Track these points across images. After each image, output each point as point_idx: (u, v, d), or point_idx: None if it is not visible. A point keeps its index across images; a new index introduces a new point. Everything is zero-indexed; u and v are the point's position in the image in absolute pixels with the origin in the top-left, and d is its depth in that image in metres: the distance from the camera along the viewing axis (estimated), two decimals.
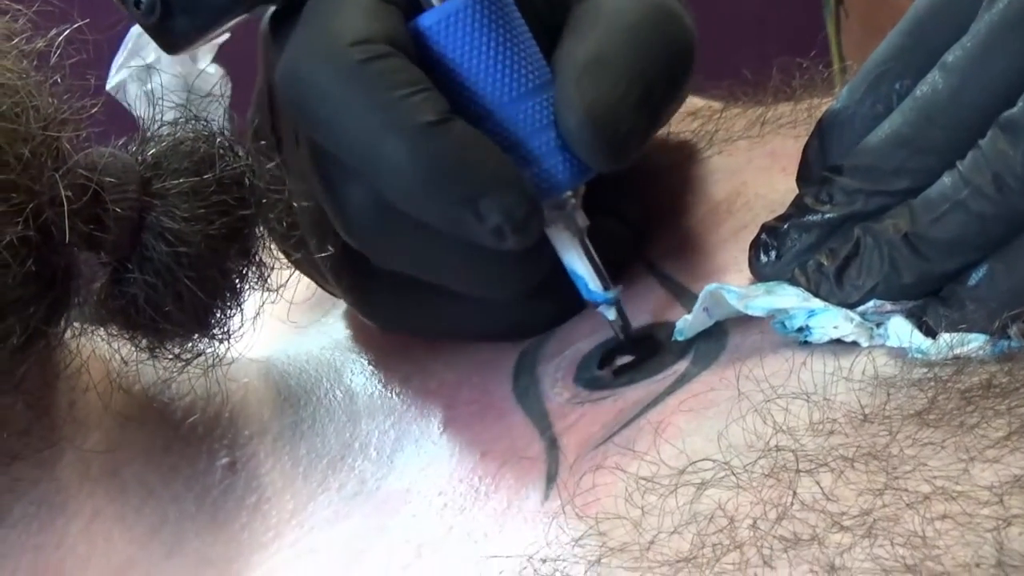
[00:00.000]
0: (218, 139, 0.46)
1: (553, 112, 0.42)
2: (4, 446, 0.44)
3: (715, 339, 0.43)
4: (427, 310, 0.47)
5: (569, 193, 0.43)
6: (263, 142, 0.48)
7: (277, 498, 0.47)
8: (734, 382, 0.39)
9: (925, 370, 0.38)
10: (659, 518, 0.35)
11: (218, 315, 0.47)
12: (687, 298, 0.45)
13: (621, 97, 0.41)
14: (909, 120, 0.40)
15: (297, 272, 0.51)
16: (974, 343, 0.38)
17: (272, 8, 0.47)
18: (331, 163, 0.43)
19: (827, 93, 0.53)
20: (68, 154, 0.43)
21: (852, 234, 0.40)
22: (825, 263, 0.41)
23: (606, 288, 0.44)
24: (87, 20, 0.45)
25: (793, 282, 0.41)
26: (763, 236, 0.43)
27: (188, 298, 0.45)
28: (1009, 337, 0.37)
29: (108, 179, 0.44)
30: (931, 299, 0.39)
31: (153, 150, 0.46)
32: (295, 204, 0.47)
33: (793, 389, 0.38)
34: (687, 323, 0.43)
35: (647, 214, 0.50)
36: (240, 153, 0.46)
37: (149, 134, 0.46)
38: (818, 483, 0.34)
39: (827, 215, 0.41)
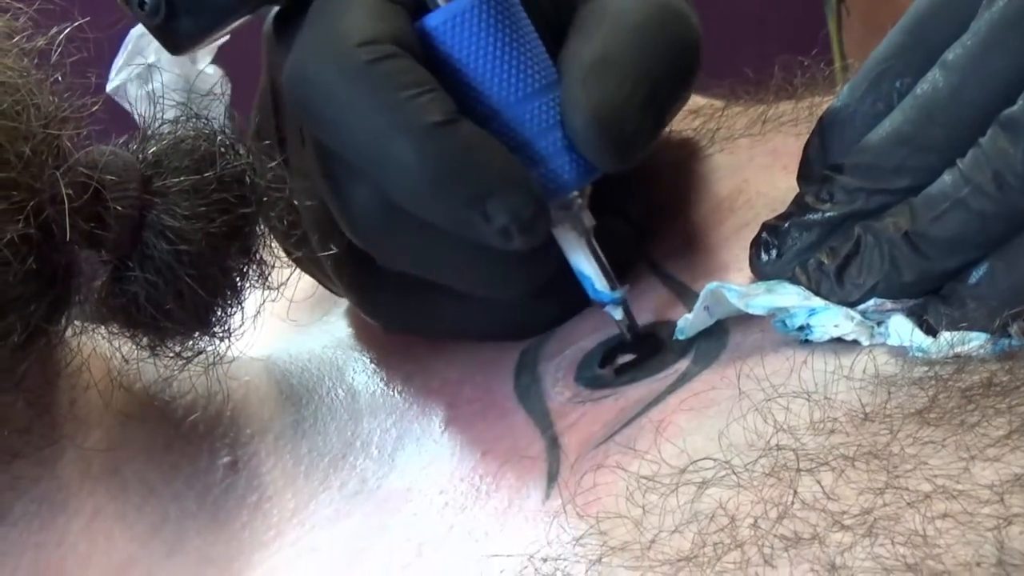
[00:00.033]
0: (219, 137, 0.46)
1: (559, 112, 0.42)
2: (5, 444, 0.44)
3: (716, 338, 0.43)
4: (430, 309, 0.47)
5: (576, 193, 0.43)
6: (265, 141, 0.48)
7: (278, 497, 0.47)
8: (735, 381, 0.39)
9: (926, 369, 0.38)
10: (660, 517, 0.35)
11: (219, 313, 0.47)
12: (689, 297, 0.45)
13: (627, 97, 0.41)
14: (910, 118, 0.40)
15: (298, 270, 0.51)
16: (975, 341, 0.38)
17: (275, 8, 0.47)
18: (337, 163, 0.43)
19: (828, 91, 0.53)
20: (69, 152, 0.43)
21: (853, 232, 0.40)
22: (826, 262, 0.41)
23: (613, 288, 0.44)
24: (88, 18, 0.45)
25: (794, 281, 0.41)
26: (764, 235, 0.43)
27: (189, 296, 0.45)
28: (1010, 335, 0.37)
29: (109, 177, 0.44)
30: (932, 297, 0.39)
31: (154, 148, 0.46)
32: (297, 203, 0.47)
33: (794, 388, 0.38)
34: (688, 322, 0.43)
35: (649, 213, 0.50)
36: (241, 151, 0.46)
37: (150, 132, 0.46)
38: (819, 482, 0.34)
39: (828, 213, 0.41)
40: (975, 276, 0.39)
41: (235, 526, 0.46)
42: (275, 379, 0.51)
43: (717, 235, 0.47)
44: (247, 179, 0.46)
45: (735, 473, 0.36)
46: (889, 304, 0.40)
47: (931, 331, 0.38)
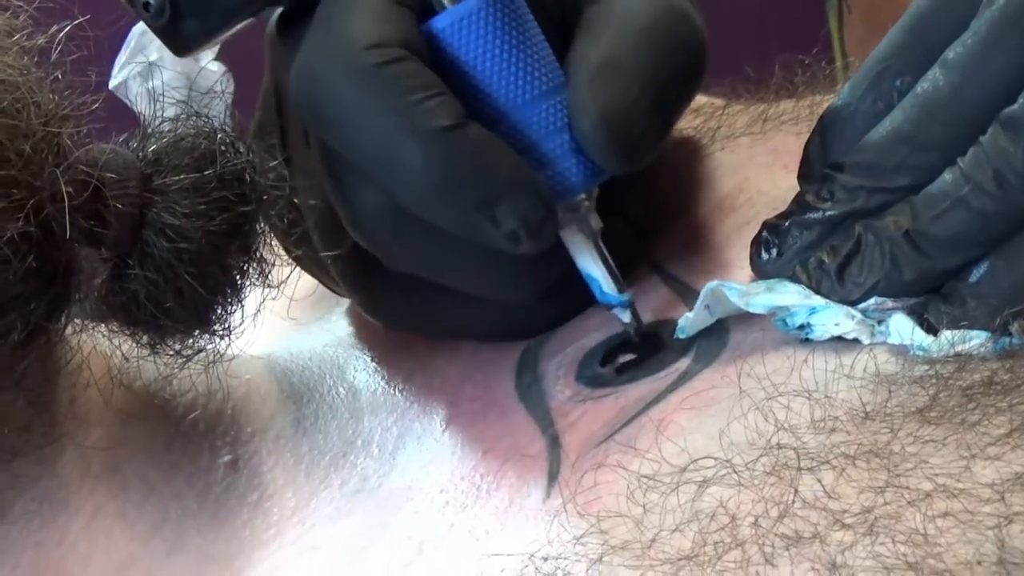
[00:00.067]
0: (219, 135, 0.46)
1: (566, 115, 0.42)
2: (5, 442, 0.44)
3: (716, 337, 0.43)
4: (433, 310, 0.47)
5: (583, 196, 0.43)
6: (268, 140, 0.48)
7: (279, 495, 0.46)
8: (735, 380, 0.39)
9: (926, 367, 0.38)
10: (661, 516, 0.35)
11: (219, 311, 0.47)
12: (690, 296, 0.45)
13: (634, 100, 0.41)
14: (910, 117, 0.40)
15: (298, 269, 0.51)
16: (975, 340, 0.38)
17: (279, 9, 0.47)
18: (343, 165, 0.43)
19: (829, 90, 0.53)
20: (69, 150, 0.43)
21: (853, 231, 0.40)
22: (826, 260, 0.41)
23: (620, 290, 0.44)
24: (88, 16, 0.45)
25: (794, 279, 0.41)
26: (764, 233, 0.43)
27: (189, 294, 0.45)
28: (1010, 334, 0.37)
29: (109, 175, 0.44)
30: (932, 296, 0.39)
31: (154, 146, 0.46)
32: (300, 202, 0.47)
33: (794, 387, 0.38)
34: (689, 321, 0.43)
35: (650, 212, 0.50)
36: (241, 149, 0.46)
37: (150, 130, 0.46)
38: (820, 481, 0.34)
39: (828, 212, 0.41)
40: (976, 275, 0.39)
41: (236, 524, 0.46)
42: (276, 377, 0.51)
43: (718, 234, 0.47)
44: (247, 177, 0.46)
45: (736, 472, 0.36)
46: (890, 303, 0.40)
47: (932, 330, 0.38)
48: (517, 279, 0.44)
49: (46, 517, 0.44)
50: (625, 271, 0.45)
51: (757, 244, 0.43)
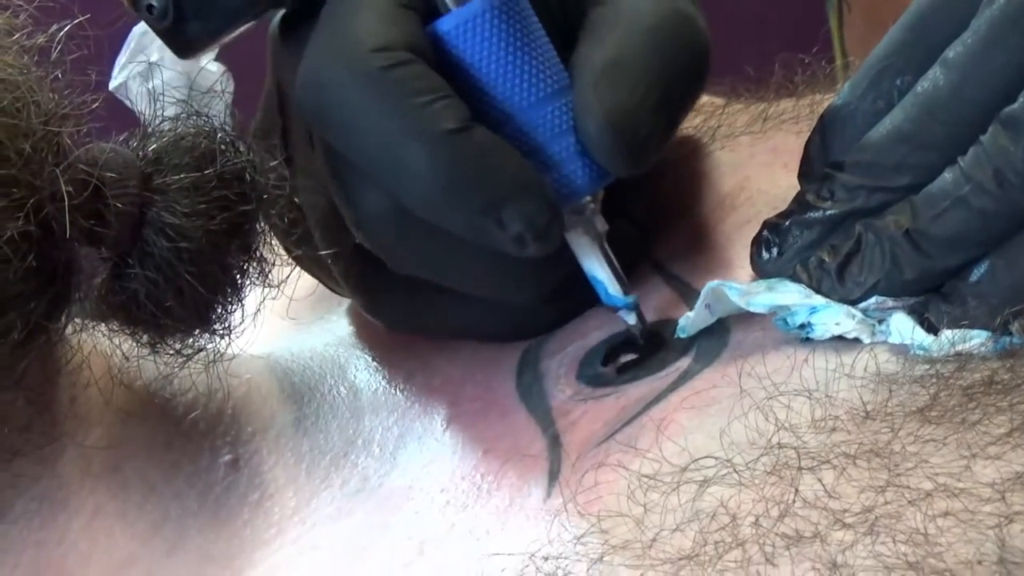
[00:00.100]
0: (219, 135, 0.46)
1: (572, 117, 0.42)
2: (5, 442, 0.44)
3: (717, 336, 0.43)
4: (435, 310, 0.47)
5: (588, 198, 0.43)
6: (269, 140, 0.48)
7: (280, 495, 0.46)
8: (736, 379, 0.39)
9: (927, 367, 0.38)
10: (661, 516, 0.35)
11: (219, 311, 0.47)
12: (691, 295, 0.45)
13: (640, 101, 0.41)
14: (910, 116, 0.40)
15: (298, 268, 0.51)
16: (976, 340, 0.38)
17: (282, 10, 0.47)
18: (347, 167, 0.43)
19: (829, 89, 0.53)
20: (69, 149, 0.43)
21: (854, 230, 0.40)
22: (827, 259, 0.41)
23: (625, 292, 0.44)
24: (88, 16, 0.45)
25: (795, 279, 0.41)
26: (765, 233, 0.43)
27: (189, 293, 0.45)
28: (1011, 333, 0.37)
29: (109, 174, 0.43)
30: (933, 295, 0.39)
31: (154, 145, 0.45)
32: (302, 202, 0.47)
33: (795, 386, 0.38)
34: (689, 320, 0.43)
35: (651, 211, 0.49)
36: (241, 148, 0.46)
37: (150, 130, 0.46)
38: (820, 480, 0.34)
39: (829, 211, 0.41)
40: (976, 274, 0.39)
41: (236, 524, 0.46)
42: (276, 377, 0.51)
43: (718, 233, 0.47)
44: (247, 176, 0.46)
45: (736, 471, 0.36)
46: (890, 302, 0.40)
47: (932, 329, 0.39)
48: (522, 281, 0.44)
49: (46, 516, 0.44)
50: (627, 271, 0.45)
51: (757, 243, 0.43)
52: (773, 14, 1.70)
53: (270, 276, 0.47)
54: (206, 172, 0.45)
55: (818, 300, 0.40)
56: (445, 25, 0.42)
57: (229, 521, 0.46)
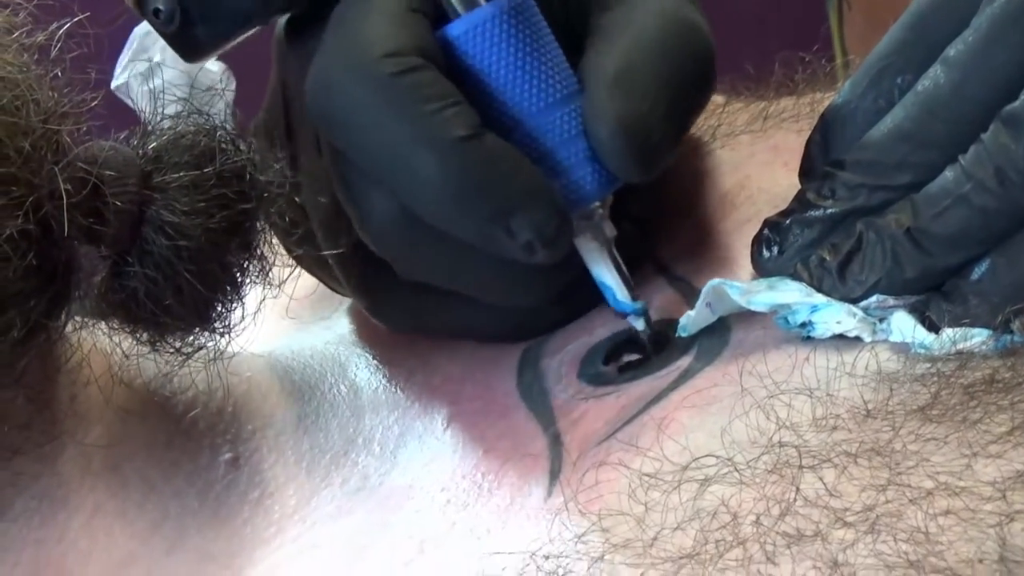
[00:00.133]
0: (219, 133, 0.46)
1: (581, 122, 0.42)
2: (5, 440, 0.44)
3: (718, 335, 0.43)
4: (437, 312, 0.47)
5: (597, 204, 0.43)
6: (272, 140, 0.48)
7: (280, 493, 0.46)
8: (737, 378, 0.39)
9: (928, 365, 0.37)
10: (662, 514, 0.35)
11: (219, 309, 0.47)
12: (692, 294, 0.45)
13: (652, 107, 0.41)
14: (911, 115, 0.40)
15: (299, 268, 0.51)
16: (977, 338, 0.38)
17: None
18: (356, 173, 0.43)
19: (829, 87, 0.53)
20: (68, 147, 0.43)
21: (854, 229, 0.40)
22: (827, 258, 0.41)
23: (633, 297, 0.44)
24: (87, 14, 0.45)
25: (796, 277, 0.41)
26: (765, 231, 0.43)
27: (188, 292, 0.45)
28: (1012, 332, 0.37)
29: (108, 172, 0.43)
30: (934, 294, 0.39)
31: (154, 143, 0.45)
32: (304, 202, 0.47)
33: (796, 385, 0.38)
34: (690, 319, 0.43)
35: (651, 210, 0.49)
36: (241, 147, 0.46)
37: (150, 128, 0.46)
38: (821, 479, 0.34)
39: (829, 210, 0.41)
40: (977, 272, 0.39)
41: (236, 523, 0.46)
42: (277, 375, 0.51)
43: (719, 232, 0.47)
44: (247, 175, 0.46)
45: (737, 470, 0.36)
46: (891, 300, 0.40)
47: (933, 327, 0.38)
48: (529, 286, 0.44)
49: (46, 515, 0.44)
50: (629, 271, 0.45)
51: (758, 242, 0.43)
52: (773, 12, 1.70)
53: (270, 275, 0.47)
54: (206, 170, 0.45)
55: (819, 299, 0.40)
56: (455, 30, 0.42)
57: (229, 520, 0.46)
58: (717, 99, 0.55)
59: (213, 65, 0.51)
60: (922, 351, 0.38)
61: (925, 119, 0.40)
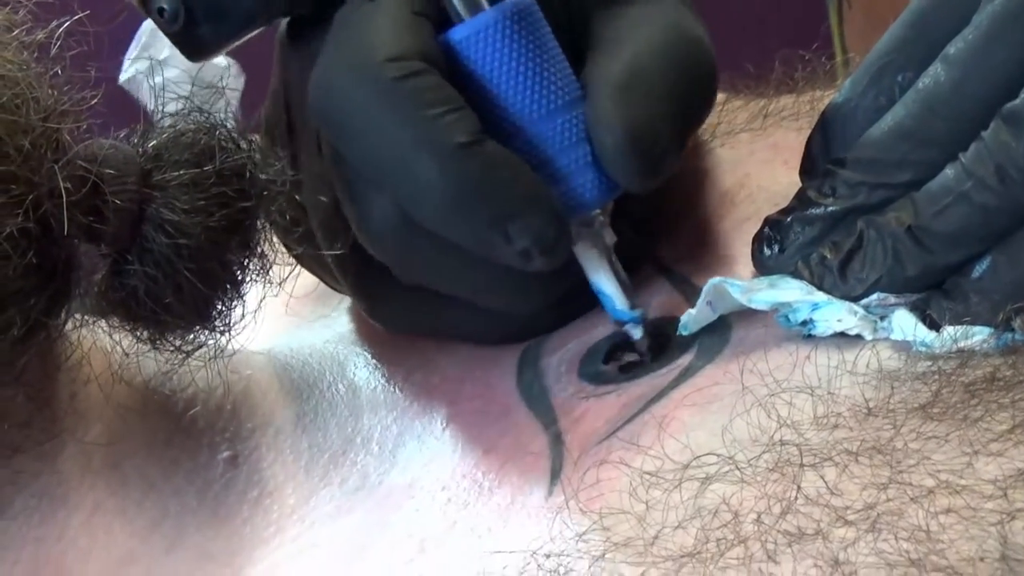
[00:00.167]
0: (219, 131, 0.46)
1: (583, 129, 0.42)
2: (5, 438, 0.44)
3: (719, 333, 0.42)
4: (434, 313, 0.47)
5: (597, 211, 0.43)
6: (273, 139, 0.48)
7: (279, 492, 0.46)
8: (738, 376, 0.39)
9: (929, 363, 0.37)
10: (663, 513, 0.35)
11: (219, 307, 0.47)
12: (693, 293, 0.45)
13: (657, 116, 0.41)
14: (912, 112, 0.40)
15: (299, 266, 0.51)
16: (978, 336, 0.38)
17: None
18: (356, 175, 0.43)
19: (829, 85, 0.53)
20: (68, 146, 0.43)
21: (855, 227, 0.40)
22: (828, 256, 0.41)
23: (632, 305, 0.44)
24: (87, 12, 0.45)
25: (796, 275, 0.41)
26: (766, 229, 0.43)
27: (188, 290, 0.45)
28: (1013, 330, 0.37)
29: (108, 171, 0.43)
30: (935, 292, 0.39)
31: (154, 141, 0.45)
32: (304, 201, 0.47)
33: (797, 383, 0.38)
34: (691, 317, 0.42)
35: (651, 209, 0.49)
36: (242, 145, 0.46)
37: (151, 125, 0.46)
38: (822, 477, 0.34)
39: (830, 208, 0.41)
40: (978, 270, 0.39)
41: (236, 522, 0.46)
42: (276, 373, 0.51)
43: (719, 230, 0.47)
44: (247, 173, 0.46)
45: (738, 469, 0.36)
46: (892, 298, 0.40)
47: (934, 326, 0.38)
48: (527, 292, 0.44)
49: (46, 513, 0.44)
50: (630, 271, 0.45)
51: (759, 240, 0.43)
52: (773, 10, 1.70)
53: (270, 273, 0.47)
54: (206, 168, 0.45)
55: (820, 297, 0.40)
56: (458, 34, 0.42)
57: (228, 519, 0.46)
58: (717, 97, 0.55)
59: (220, 60, 0.51)
60: (923, 349, 0.38)
61: (926, 117, 0.40)
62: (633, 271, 0.46)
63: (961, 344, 0.38)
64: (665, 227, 0.49)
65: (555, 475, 0.41)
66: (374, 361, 0.51)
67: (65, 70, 0.44)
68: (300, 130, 0.48)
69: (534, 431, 0.43)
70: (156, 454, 0.47)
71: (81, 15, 0.45)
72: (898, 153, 0.40)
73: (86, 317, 0.46)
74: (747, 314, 0.42)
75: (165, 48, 0.50)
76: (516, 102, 0.42)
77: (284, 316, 0.54)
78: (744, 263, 0.44)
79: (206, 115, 0.46)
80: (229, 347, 0.47)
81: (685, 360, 0.42)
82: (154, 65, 0.47)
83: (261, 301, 0.47)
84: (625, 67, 0.42)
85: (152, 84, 0.46)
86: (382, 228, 0.43)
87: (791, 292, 0.41)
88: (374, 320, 0.49)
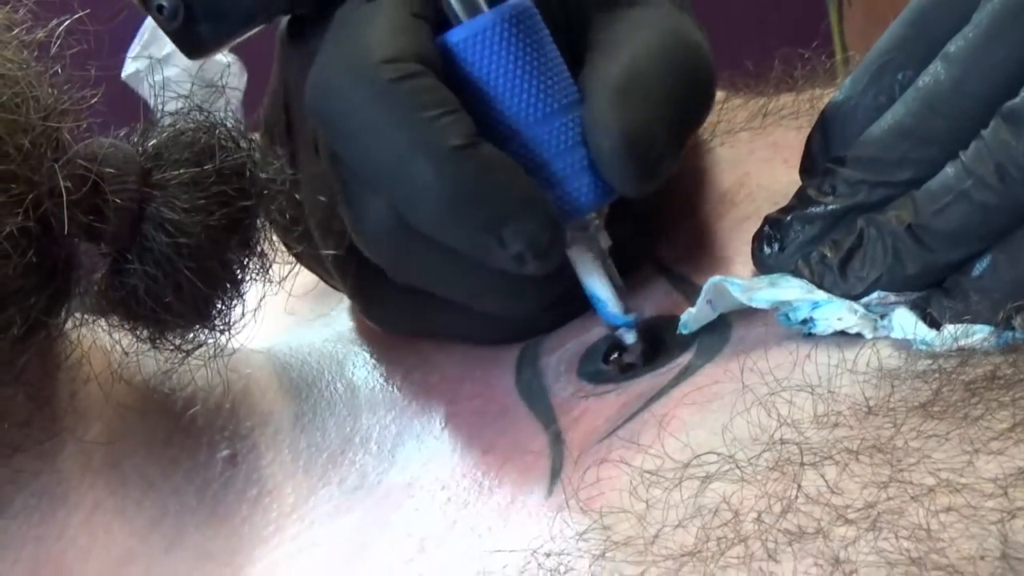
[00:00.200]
0: (218, 130, 0.46)
1: (580, 133, 0.42)
2: (5, 437, 0.44)
3: (719, 332, 0.42)
4: (430, 315, 0.47)
5: (593, 215, 0.43)
6: (273, 138, 0.48)
7: (278, 491, 0.46)
8: (738, 375, 0.39)
9: (929, 362, 0.37)
10: (663, 512, 0.35)
11: (219, 306, 0.47)
12: (693, 292, 0.45)
13: (655, 120, 0.41)
14: (912, 111, 0.40)
15: (299, 265, 0.51)
16: (978, 334, 0.38)
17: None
18: (352, 177, 0.43)
19: (829, 84, 0.53)
20: (68, 145, 0.43)
21: (855, 226, 0.40)
22: (829, 255, 0.41)
23: (626, 309, 0.44)
24: (87, 11, 0.45)
25: (797, 274, 0.41)
26: (766, 228, 0.43)
27: (188, 289, 0.45)
28: (1013, 328, 0.37)
29: (108, 170, 0.43)
30: (935, 290, 0.39)
31: (154, 141, 0.45)
32: (304, 199, 0.47)
33: (797, 381, 0.38)
34: (691, 316, 0.42)
35: (650, 208, 0.49)
36: (242, 144, 0.46)
37: (151, 124, 0.46)
38: (823, 476, 0.34)
39: (830, 206, 0.41)
40: (978, 269, 0.39)
41: (235, 521, 0.46)
42: (275, 372, 0.51)
43: (719, 229, 0.47)
44: (247, 172, 0.46)
45: (739, 467, 0.36)
46: (892, 297, 0.40)
47: (934, 324, 0.38)
48: (521, 295, 0.44)
49: (46, 512, 0.44)
50: (630, 271, 0.45)
51: (759, 239, 0.43)
52: (773, 9, 1.70)
53: (270, 272, 0.47)
54: (206, 167, 0.45)
55: (820, 295, 0.40)
56: (456, 36, 0.42)
57: (228, 518, 0.46)
58: (714, 101, 0.55)
59: (223, 58, 0.51)
60: (923, 348, 0.38)
61: (926, 115, 0.40)
62: (633, 271, 0.46)
63: (961, 342, 0.38)
64: (665, 226, 0.49)
65: (555, 474, 0.41)
66: (373, 360, 0.51)
67: (65, 69, 0.44)
68: (299, 129, 0.48)
69: (534, 430, 0.43)
70: (155, 453, 0.47)
71: (81, 14, 0.45)
72: (898, 151, 0.40)
73: (86, 316, 0.46)
74: (747, 313, 0.42)
75: (166, 46, 0.50)
76: (513, 105, 0.42)
77: (284, 315, 0.54)
78: (744, 262, 0.44)
79: (206, 114, 0.46)
80: (229, 346, 0.47)
81: (685, 359, 0.42)
82: (154, 63, 0.47)
83: (261, 300, 0.47)
84: (623, 71, 0.42)
85: (152, 82, 0.46)
86: (377, 230, 0.43)
87: (791, 291, 0.41)
88: (371, 320, 0.49)
